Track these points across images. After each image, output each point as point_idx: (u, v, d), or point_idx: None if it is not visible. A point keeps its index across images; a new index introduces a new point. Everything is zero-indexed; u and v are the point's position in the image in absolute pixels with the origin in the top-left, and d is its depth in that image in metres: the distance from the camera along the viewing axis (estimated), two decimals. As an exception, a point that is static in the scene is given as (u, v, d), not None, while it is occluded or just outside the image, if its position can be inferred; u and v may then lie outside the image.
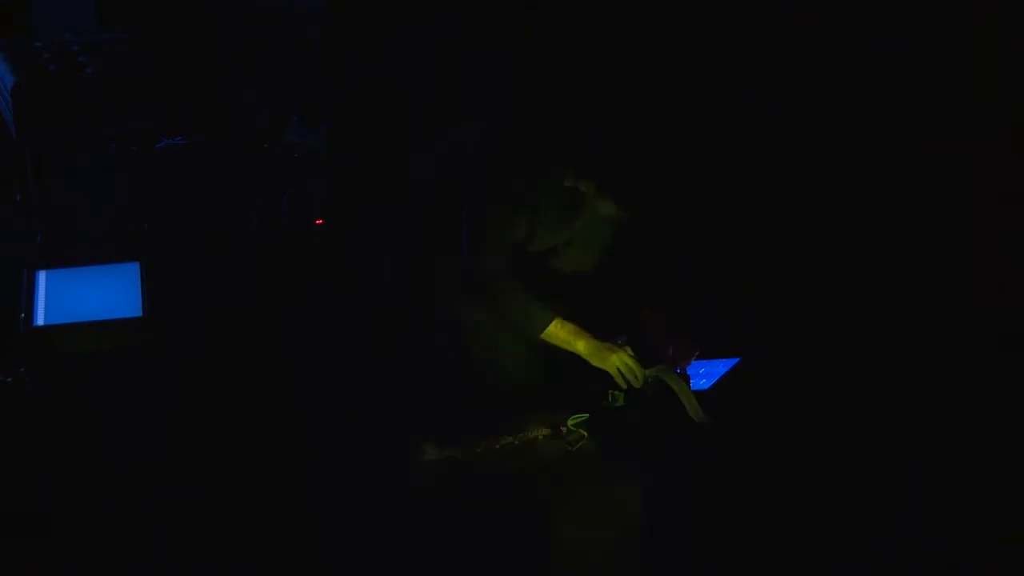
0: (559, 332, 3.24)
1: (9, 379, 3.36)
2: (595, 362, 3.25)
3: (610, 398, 3.24)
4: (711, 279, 3.89)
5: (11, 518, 2.92)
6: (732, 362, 3.33)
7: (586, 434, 3.13)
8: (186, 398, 3.35)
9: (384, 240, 3.48)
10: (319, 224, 4.21)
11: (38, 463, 3.10)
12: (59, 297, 3.63)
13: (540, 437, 3.12)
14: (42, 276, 3.72)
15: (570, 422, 3.16)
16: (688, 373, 3.29)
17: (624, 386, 3.22)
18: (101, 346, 3.50)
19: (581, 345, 3.24)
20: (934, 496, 3.11)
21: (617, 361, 3.22)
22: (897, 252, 3.99)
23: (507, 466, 3.00)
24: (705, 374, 3.31)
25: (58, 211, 4.14)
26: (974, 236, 3.93)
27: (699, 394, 3.23)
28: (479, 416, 3.16)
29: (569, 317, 3.27)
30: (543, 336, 3.25)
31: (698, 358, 3.32)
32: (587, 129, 3.20)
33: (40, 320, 3.53)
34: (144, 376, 3.42)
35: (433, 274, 3.35)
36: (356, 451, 3.09)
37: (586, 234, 3.35)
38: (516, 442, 3.09)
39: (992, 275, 3.85)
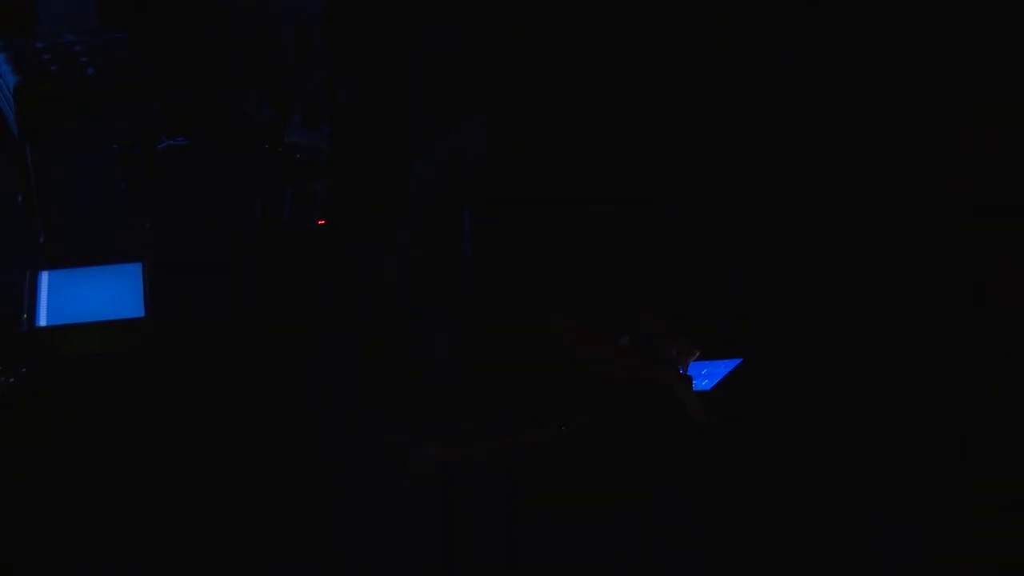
0: (561, 333, 3.24)
1: (11, 379, 3.36)
2: (597, 362, 3.25)
3: (612, 399, 3.24)
4: (712, 279, 3.90)
5: (11, 518, 2.93)
6: (734, 363, 3.33)
7: (588, 434, 3.13)
8: (187, 398, 3.36)
9: (385, 240, 3.48)
10: (321, 225, 4.22)
11: (39, 463, 3.11)
12: (61, 297, 3.63)
13: (542, 437, 3.12)
14: (44, 276, 3.72)
15: (572, 423, 3.16)
16: (690, 374, 3.30)
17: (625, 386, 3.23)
18: (103, 346, 3.50)
19: (584, 345, 3.25)
20: (934, 496, 3.12)
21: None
22: (897, 252, 3.99)
23: (509, 466, 3.00)
24: (707, 375, 3.32)
25: (60, 211, 4.14)
26: (974, 236, 3.94)
27: (701, 395, 3.23)
28: (481, 416, 3.17)
29: (570, 317, 3.28)
30: (545, 336, 3.26)
31: (699, 359, 3.32)
32: (587, 129, 3.20)
33: (42, 320, 3.53)
34: (145, 376, 3.42)
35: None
36: (357, 451, 3.09)
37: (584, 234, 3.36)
38: (518, 443, 3.09)
39: (992, 276, 3.85)
